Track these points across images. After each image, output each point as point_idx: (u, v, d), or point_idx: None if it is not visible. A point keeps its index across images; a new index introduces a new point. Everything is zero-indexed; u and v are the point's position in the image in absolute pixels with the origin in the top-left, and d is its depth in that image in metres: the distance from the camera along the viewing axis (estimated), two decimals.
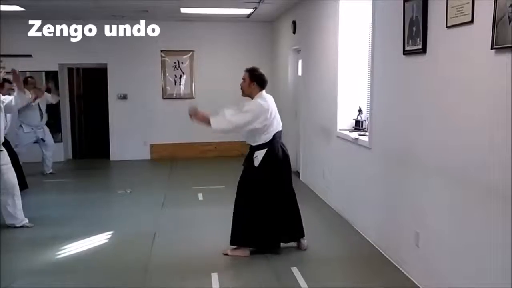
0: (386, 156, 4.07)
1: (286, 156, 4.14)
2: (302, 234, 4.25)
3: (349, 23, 5.23)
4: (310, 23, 6.51)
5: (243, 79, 4.11)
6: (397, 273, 3.72)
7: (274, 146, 4.03)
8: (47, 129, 7.73)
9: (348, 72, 5.28)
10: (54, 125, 8.96)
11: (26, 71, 8.73)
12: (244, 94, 4.14)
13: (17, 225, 4.91)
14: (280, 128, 4.11)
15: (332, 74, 5.50)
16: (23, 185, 5.82)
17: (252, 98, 4.07)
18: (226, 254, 4.10)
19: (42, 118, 7.57)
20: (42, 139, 7.60)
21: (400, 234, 3.79)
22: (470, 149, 2.78)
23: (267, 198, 4.02)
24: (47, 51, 8.59)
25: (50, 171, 7.82)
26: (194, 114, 4.01)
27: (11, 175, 4.82)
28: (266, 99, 4.04)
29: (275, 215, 4.05)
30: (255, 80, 4.07)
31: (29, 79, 7.49)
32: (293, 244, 4.27)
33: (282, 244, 4.22)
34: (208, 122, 3.97)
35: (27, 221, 4.97)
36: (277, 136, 4.06)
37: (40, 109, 7.50)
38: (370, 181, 4.42)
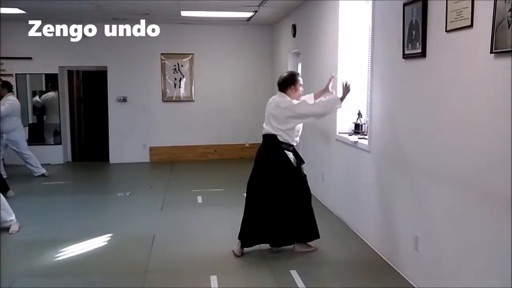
0: (386, 160, 4.07)
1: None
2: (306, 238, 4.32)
3: (349, 27, 5.24)
4: (310, 26, 6.52)
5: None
6: (397, 277, 3.72)
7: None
8: (17, 134, 7.35)
9: (347, 75, 5.27)
10: (54, 127, 9.06)
11: (26, 74, 8.79)
12: None
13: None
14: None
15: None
16: (4, 188, 5.94)
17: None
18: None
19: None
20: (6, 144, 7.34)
21: (399, 237, 3.80)
22: (470, 153, 2.79)
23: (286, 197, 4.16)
24: (47, 53, 8.62)
25: (40, 173, 7.63)
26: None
27: None
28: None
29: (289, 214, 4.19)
30: None
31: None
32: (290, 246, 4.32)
33: (281, 247, 4.27)
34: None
35: (13, 221, 4.88)
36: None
37: None
38: (369, 184, 4.42)
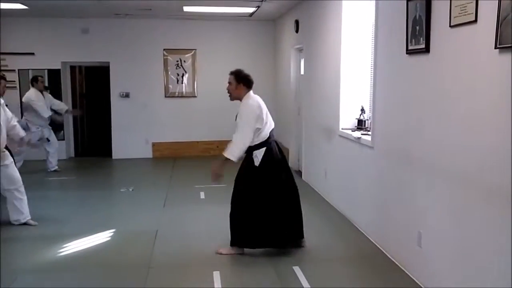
0: (389, 156, 4.06)
1: (282, 153, 4.19)
2: (301, 236, 4.24)
3: (352, 22, 5.22)
4: (313, 22, 6.50)
5: (229, 82, 4.10)
6: (400, 273, 3.72)
7: (272, 144, 4.06)
8: (50, 128, 7.84)
9: (350, 71, 5.27)
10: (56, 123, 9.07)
11: (28, 69, 8.79)
12: (232, 97, 4.12)
13: (22, 221, 4.94)
14: (273, 126, 4.11)
15: (334, 73, 5.49)
16: None
17: (240, 100, 4.06)
18: (221, 253, 4.10)
19: (48, 118, 7.66)
20: (47, 138, 7.71)
21: (402, 234, 3.79)
22: (473, 149, 2.78)
23: (268, 198, 4.00)
24: (49, 49, 8.62)
25: (55, 168, 7.85)
26: (218, 174, 4.09)
27: (15, 172, 4.94)
28: (254, 98, 4.07)
29: (276, 214, 4.01)
30: (242, 82, 4.06)
31: (39, 77, 7.64)
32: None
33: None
34: (225, 160, 4.00)
35: (30, 217, 5.00)
36: (272, 134, 4.09)
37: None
38: (372, 180, 4.41)
